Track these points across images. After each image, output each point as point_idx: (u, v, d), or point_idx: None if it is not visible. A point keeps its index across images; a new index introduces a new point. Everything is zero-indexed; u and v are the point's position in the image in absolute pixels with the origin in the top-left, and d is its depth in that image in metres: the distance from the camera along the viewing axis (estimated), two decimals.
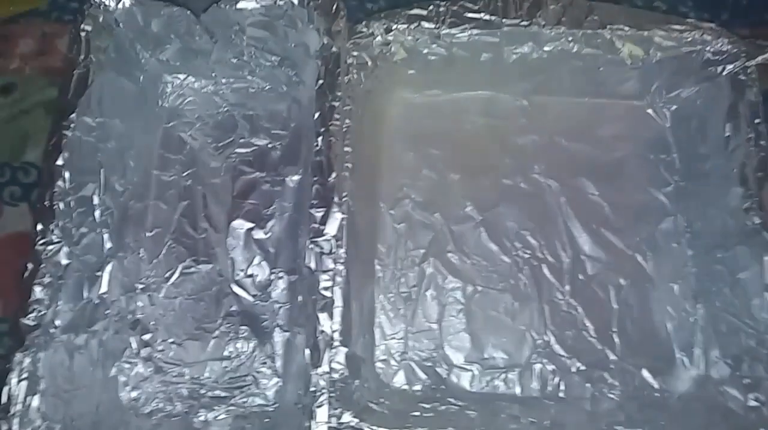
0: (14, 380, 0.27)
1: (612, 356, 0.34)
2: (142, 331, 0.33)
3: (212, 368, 0.33)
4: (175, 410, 0.32)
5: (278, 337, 0.34)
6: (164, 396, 0.32)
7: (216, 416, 0.32)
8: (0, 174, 0.36)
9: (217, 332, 0.34)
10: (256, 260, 0.35)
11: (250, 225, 0.35)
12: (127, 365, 0.33)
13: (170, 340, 0.34)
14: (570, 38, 0.35)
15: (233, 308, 0.34)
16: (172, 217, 0.35)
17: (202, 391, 0.33)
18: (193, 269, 0.35)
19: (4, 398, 0.26)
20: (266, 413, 0.32)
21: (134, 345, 0.33)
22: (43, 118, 0.37)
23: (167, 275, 0.34)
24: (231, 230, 0.35)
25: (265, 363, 0.33)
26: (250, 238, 0.35)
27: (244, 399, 0.33)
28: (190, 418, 0.32)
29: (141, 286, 0.34)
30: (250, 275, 0.35)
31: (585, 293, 0.35)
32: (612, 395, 0.33)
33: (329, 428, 0.27)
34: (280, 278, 0.35)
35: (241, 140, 0.37)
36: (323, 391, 0.27)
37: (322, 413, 0.27)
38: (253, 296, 0.34)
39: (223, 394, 0.33)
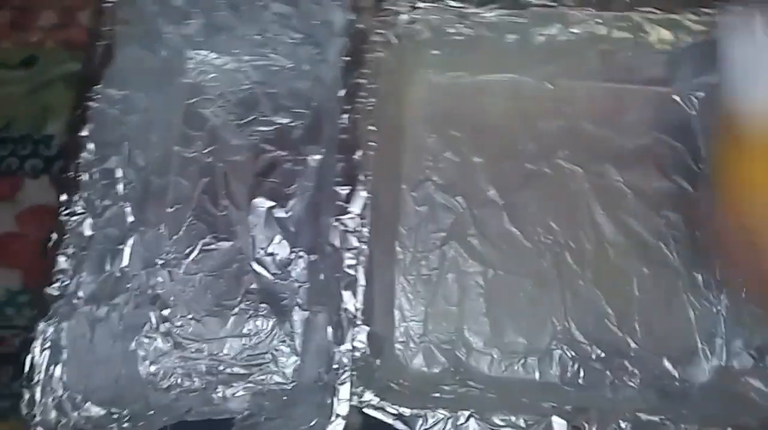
0: (37, 349, 0.27)
1: (633, 344, 0.34)
2: (162, 306, 0.33)
3: (231, 344, 0.33)
4: (194, 386, 0.32)
5: (297, 316, 0.34)
6: (183, 371, 0.32)
7: (234, 393, 0.32)
8: (21, 147, 0.36)
9: (236, 309, 0.34)
10: (277, 239, 0.35)
11: (271, 203, 0.35)
12: (146, 340, 0.33)
13: (189, 316, 0.33)
14: (598, 20, 0.34)
15: (253, 286, 0.34)
16: (193, 193, 0.35)
17: (221, 367, 0.33)
18: (213, 246, 0.35)
19: (27, 366, 0.27)
20: (284, 390, 0.32)
21: (154, 320, 0.33)
22: (64, 91, 0.36)
23: (187, 251, 0.34)
24: (252, 208, 0.35)
25: (284, 341, 0.33)
26: (271, 216, 0.35)
27: (263, 376, 0.33)
28: (208, 394, 0.32)
29: (161, 261, 0.34)
30: (271, 254, 0.34)
31: (607, 281, 0.35)
32: (632, 383, 0.33)
33: (351, 406, 0.27)
34: (300, 257, 0.34)
35: (263, 118, 0.37)
36: (346, 369, 0.27)
37: (344, 391, 0.27)
38: (273, 274, 0.34)
39: (241, 371, 0.33)
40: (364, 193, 0.30)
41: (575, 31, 0.34)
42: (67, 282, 0.28)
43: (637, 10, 0.33)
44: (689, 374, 0.33)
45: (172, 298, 0.34)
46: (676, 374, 0.33)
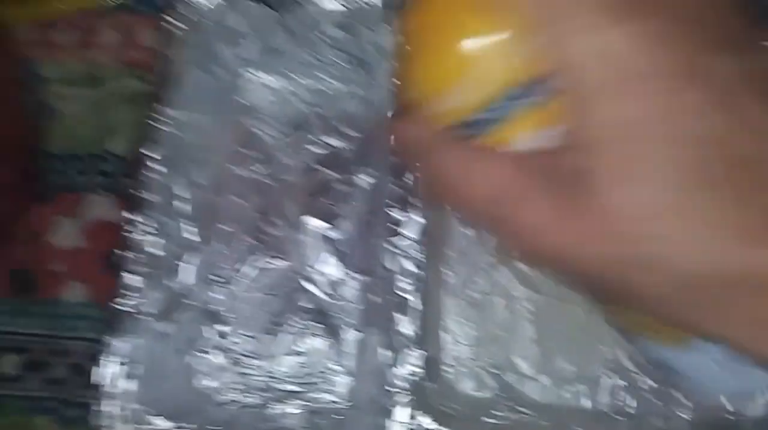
0: (109, 363, 0.28)
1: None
2: (219, 322, 0.34)
3: (286, 362, 0.34)
4: (250, 402, 0.33)
5: (350, 336, 0.34)
6: (239, 387, 0.34)
7: (289, 410, 0.33)
8: (86, 163, 0.37)
9: (290, 328, 0.34)
10: (329, 259, 0.35)
11: (323, 224, 0.36)
12: (204, 355, 0.34)
13: (245, 333, 0.35)
14: None
15: (306, 305, 0.35)
16: (246, 212, 0.36)
17: (276, 384, 0.34)
18: (267, 265, 0.36)
19: (100, 380, 0.28)
20: (338, 409, 0.33)
21: (210, 336, 0.34)
22: (126, 109, 0.38)
23: (242, 269, 0.35)
24: (304, 228, 0.36)
25: (336, 361, 0.34)
26: (323, 236, 0.36)
27: (316, 395, 0.34)
28: (264, 410, 0.33)
29: (217, 278, 0.35)
30: (322, 274, 0.35)
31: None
32: (684, 415, 0.33)
33: (408, 429, 0.28)
34: (352, 278, 0.35)
35: (315, 140, 0.37)
36: (403, 392, 0.28)
37: (402, 414, 0.28)
38: (326, 293, 0.35)
39: (296, 388, 0.34)
40: (417, 217, 0.30)
41: None
42: (136, 298, 0.29)
43: None
44: (743, 407, 0.33)
45: (228, 314, 0.35)
46: (730, 408, 0.33)
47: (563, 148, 0.16)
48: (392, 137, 0.20)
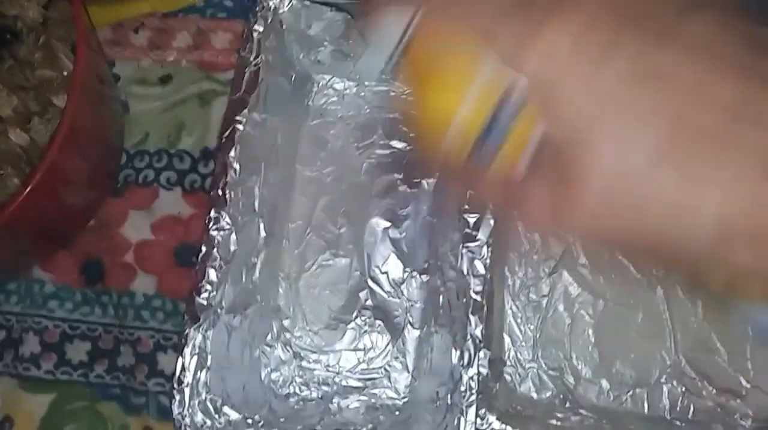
0: (188, 355, 0.29)
1: (744, 383, 0.34)
2: (283, 317, 0.35)
3: (346, 357, 0.35)
4: (311, 395, 0.34)
5: (410, 334, 0.35)
6: (301, 381, 0.34)
7: (349, 405, 0.34)
8: (158, 159, 0.38)
9: (352, 324, 0.35)
10: (391, 258, 0.36)
11: (387, 224, 0.37)
12: (268, 348, 0.35)
13: (307, 328, 0.35)
14: None
15: (368, 303, 0.36)
16: (313, 211, 0.37)
17: (337, 379, 0.34)
18: (330, 262, 0.36)
19: (179, 370, 0.29)
20: (397, 406, 0.34)
21: (275, 330, 0.35)
22: (198, 108, 0.39)
23: (307, 265, 0.36)
24: (368, 228, 0.37)
25: (396, 358, 0.35)
26: (386, 236, 0.37)
27: (376, 391, 0.34)
28: (325, 404, 0.34)
29: (283, 274, 0.36)
30: (385, 272, 0.36)
31: (718, 317, 0.35)
32: (744, 423, 0.33)
33: (476, 429, 0.28)
34: (413, 277, 0.36)
35: (381, 142, 0.38)
36: (473, 391, 0.28)
37: (471, 413, 0.28)
38: (387, 292, 0.36)
39: (356, 384, 0.34)
40: (491, 221, 0.31)
41: None
42: (214, 293, 0.30)
43: None
44: None
45: (292, 309, 0.36)
46: None
47: (547, 145, 0.17)
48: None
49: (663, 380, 0.34)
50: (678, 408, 0.33)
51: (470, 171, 0.18)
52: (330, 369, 0.35)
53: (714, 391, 0.33)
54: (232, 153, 0.31)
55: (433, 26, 0.18)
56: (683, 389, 0.33)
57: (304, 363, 0.35)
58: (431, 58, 0.18)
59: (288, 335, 0.35)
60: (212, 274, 0.30)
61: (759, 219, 0.15)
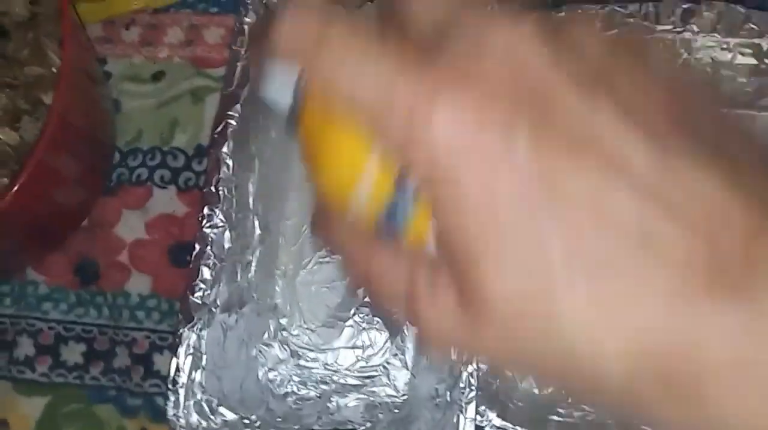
0: (182, 355, 0.29)
1: None
2: (280, 315, 0.35)
3: (345, 355, 0.34)
4: (309, 394, 0.34)
5: (409, 330, 0.34)
6: (298, 379, 0.34)
7: (347, 403, 0.33)
8: (151, 157, 0.38)
9: (350, 322, 0.35)
10: None
11: None
12: (265, 347, 0.34)
13: (305, 325, 0.35)
14: (724, 46, 0.34)
15: (366, 300, 0.35)
16: (309, 207, 0.37)
17: (335, 377, 0.34)
18: (327, 259, 0.36)
19: (173, 370, 0.28)
20: (396, 404, 0.33)
21: (272, 328, 0.35)
22: (191, 105, 0.38)
23: (303, 262, 0.36)
24: None
25: (395, 355, 0.34)
26: None
27: (375, 389, 0.34)
28: (323, 402, 0.33)
29: (279, 271, 0.36)
30: None
31: None
32: None
33: (476, 425, 0.28)
34: None
35: None
36: (473, 388, 0.28)
37: (471, 410, 0.28)
38: None
39: (355, 382, 0.34)
40: None
41: (698, 56, 0.34)
42: (208, 291, 0.29)
43: (767, 36, 0.33)
44: None
45: (288, 307, 0.35)
46: None
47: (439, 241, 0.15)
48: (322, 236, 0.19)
49: None
50: None
51: (371, 253, 0.16)
52: (328, 367, 0.34)
53: None
54: (225, 149, 0.31)
55: (319, 94, 0.15)
56: None
57: (301, 362, 0.34)
58: (321, 129, 0.15)
59: (285, 334, 0.35)
60: (206, 272, 0.29)
61: (670, 353, 0.12)
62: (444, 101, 0.13)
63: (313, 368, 0.34)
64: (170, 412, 0.28)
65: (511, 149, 0.13)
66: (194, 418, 0.28)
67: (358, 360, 0.35)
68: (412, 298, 0.15)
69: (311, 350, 0.35)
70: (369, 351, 0.35)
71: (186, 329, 0.29)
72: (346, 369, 0.34)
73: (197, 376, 0.29)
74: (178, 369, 0.28)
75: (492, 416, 0.29)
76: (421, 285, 0.15)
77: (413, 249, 0.15)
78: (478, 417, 0.28)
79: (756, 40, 0.33)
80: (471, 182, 0.13)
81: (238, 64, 0.32)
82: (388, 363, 0.34)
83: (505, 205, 0.13)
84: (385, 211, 0.15)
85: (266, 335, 0.35)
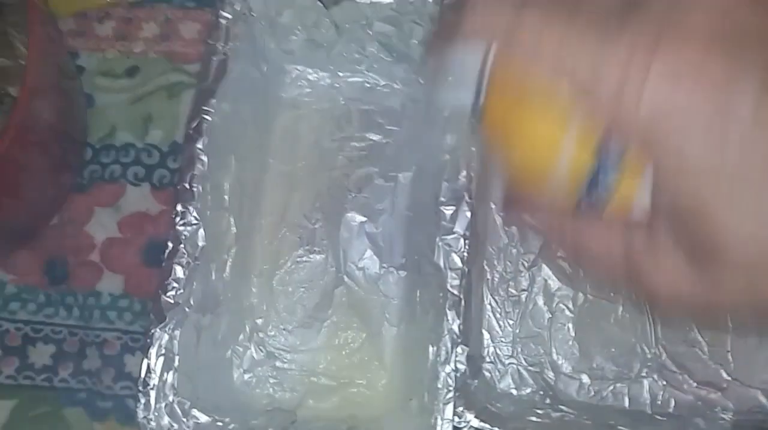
0: (153, 355, 0.28)
1: (726, 376, 0.34)
2: (256, 316, 0.34)
3: (322, 356, 0.34)
4: (286, 396, 0.33)
5: (387, 331, 0.34)
6: (275, 381, 0.33)
7: (324, 405, 0.33)
8: (125, 154, 0.37)
9: (327, 322, 0.34)
10: (367, 254, 0.35)
11: (363, 218, 0.36)
12: (240, 349, 0.33)
13: (281, 326, 0.34)
14: None
15: (344, 300, 0.35)
16: (286, 206, 0.36)
17: (312, 379, 0.33)
18: (305, 258, 0.35)
19: (144, 372, 0.27)
20: (373, 405, 0.33)
21: (248, 329, 0.34)
22: (166, 101, 0.38)
23: (280, 262, 0.35)
24: (343, 222, 0.36)
25: (373, 355, 0.34)
26: (362, 231, 0.35)
27: (353, 390, 0.33)
28: (300, 404, 0.33)
29: (255, 271, 0.35)
30: (361, 268, 0.35)
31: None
32: (725, 416, 0.33)
33: (453, 427, 0.27)
34: (390, 272, 0.35)
35: (356, 134, 0.37)
36: (450, 389, 0.28)
37: (448, 411, 0.27)
38: (364, 288, 0.35)
39: (331, 383, 0.33)
40: (468, 213, 0.30)
41: None
42: (181, 291, 0.28)
43: None
44: None
45: (264, 308, 0.34)
46: None
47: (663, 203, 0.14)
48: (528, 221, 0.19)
49: (644, 373, 0.33)
50: (659, 402, 0.33)
51: (579, 225, 0.16)
52: (305, 369, 0.34)
53: (695, 384, 0.33)
54: (199, 145, 0.30)
55: (511, 65, 0.15)
56: (664, 382, 0.33)
57: (278, 363, 0.34)
58: (511, 112, 0.15)
59: (261, 335, 0.34)
60: (179, 271, 0.28)
61: None
62: (658, 62, 0.13)
63: (289, 369, 0.34)
64: (140, 414, 0.27)
65: (736, 103, 0.13)
66: (165, 421, 0.27)
67: (336, 361, 0.34)
68: (633, 263, 0.15)
69: (288, 352, 0.34)
70: (346, 352, 0.34)
71: (158, 329, 0.28)
72: (323, 370, 0.34)
73: (169, 377, 0.28)
74: (149, 370, 0.27)
75: (470, 417, 0.28)
76: (640, 250, 0.15)
77: (618, 216, 0.15)
78: (456, 418, 0.28)
79: None
80: (695, 143, 0.13)
81: (214, 58, 0.31)
82: (365, 364, 0.34)
83: (734, 159, 0.13)
84: (587, 183, 0.15)
85: (241, 336, 0.34)
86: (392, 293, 0.35)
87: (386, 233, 0.36)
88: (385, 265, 0.35)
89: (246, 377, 0.33)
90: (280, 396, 0.33)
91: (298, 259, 0.35)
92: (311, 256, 0.35)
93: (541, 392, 0.33)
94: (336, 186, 0.36)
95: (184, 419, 0.28)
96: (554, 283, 0.35)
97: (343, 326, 0.34)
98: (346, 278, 0.35)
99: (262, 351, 0.34)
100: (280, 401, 0.33)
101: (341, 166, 0.37)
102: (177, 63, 0.38)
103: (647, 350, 0.34)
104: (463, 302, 0.30)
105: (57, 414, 0.34)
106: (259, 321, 0.34)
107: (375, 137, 0.37)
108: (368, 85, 0.38)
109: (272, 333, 0.34)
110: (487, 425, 0.28)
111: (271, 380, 0.33)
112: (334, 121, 0.37)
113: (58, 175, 0.36)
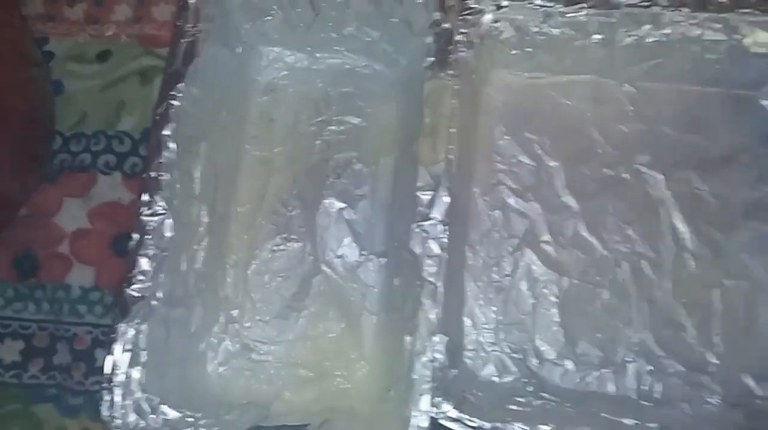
0: (118, 351, 0.27)
1: (713, 360, 0.33)
2: (231, 307, 0.33)
3: (300, 347, 0.33)
4: (263, 388, 0.32)
5: (366, 320, 0.33)
6: (251, 374, 0.32)
7: (302, 397, 0.32)
8: (95, 142, 0.36)
9: (305, 312, 0.33)
10: (346, 241, 0.34)
11: (342, 205, 0.35)
12: (215, 341, 0.32)
13: (258, 317, 0.33)
14: (692, 21, 0.33)
15: (322, 289, 0.34)
16: (263, 193, 0.35)
17: (289, 370, 0.33)
18: (282, 247, 0.34)
19: (109, 368, 0.27)
20: (351, 396, 0.32)
21: (222, 321, 0.33)
22: (138, 86, 0.36)
23: (256, 251, 0.34)
24: (322, 209, 0.35)
25: (352, 346, 0.33)
26: (341, 218, 0.34)
27: (332, 381, 0.32)
28: (277, 396, 0.32)
29: (230, 262, 0.34)
30: (340, 256, 0.34)
31: (686, 292, 0.33)
32: (712, 400, 0.32)
33: (431, 418, 0.27)
34: (370, 260, 0.34)
35: (335, 118, 0.36)
36: (426, 379, 0.27)
37: (424, 402, 0.26)
38: (342, 277, 0.34)
39: (309, 374, 0.32)
40: (446, 199, 0.29)
41: (666, 32, 0.33)
42: (148, 283, 0.27)
43: (737, 11, 0.32)
44: None
45: (240, 299, 0.33)
46: (760, 392, 0.32)
47: None
48: None
49: (629, 359, 0.32)
50: (645, 388, 0.32)
51: None
52: (282, 361, 0.33)
53: (682, 369, 0.32)
54: (166, 131, 0.29)
55: None
56: (650, 367, 0.32)
57: (254, 355, 0.33)
58: None
59: (237, 326, 0.33)
60: (145, 263, 0.27)
61: None
62: None
63: (266, 361, 0.33)
64: (104, 412, 0.26)
65: None
66: (132, 418, 0.26)
67: (313, 352, 0.33)
68: None
69: (264, 343, 0.33)
70: (324, 342, 0.33)
71: (123, 324, 0.27)
72: (301, 361, 0.33)
73: (135, 373, 0.27)
74: (114, 366, 0.26)
75: (448, 408, 0.27)
76: None
77: None
78: (434, 409, 0.27)
79: (725, 15, 0.33)
80: None
81: (182, 40, 0.30)
82: (344, 354, 0.33)
83: None
84: None
85: (216, 328, 0.33)
86: (372, 280, 0.34)
87: (366, 220, 0.35)
88: (364, 253, 0.34)
89: (221, 370, 0.32)
90: (256, 389, 0.32)
91: (275, 247, 0.34)
92: (288, 244, 0.34)
93: (524, 380, 0.32)
94: (314, 172, 0.35)
95: (153, 416, 0.27)
96: (538, 268, 0.34)
97: (322, 316, 0.33)
98: (324, 267, 0.34)
99: (237, 343, 0.33)
100: (257, 394, 0.32)
101: (319, 151, 0.36)
102: (150, 47, 0.37)
103: (633, 335, 0.33)
104: (442, 290, 0.29)
105: (27, 411, 0.33)
106: (235, 312, 0.33)
107: (355, 121, 0.36)
108: (347, 67, 0.36)
109: (248, 324, 0.33)
110: (466, 416, 0.27)
111: (247, 373, 0.32)
112: (312, 104, 0.36)
113: (25, 165, 0.35)
